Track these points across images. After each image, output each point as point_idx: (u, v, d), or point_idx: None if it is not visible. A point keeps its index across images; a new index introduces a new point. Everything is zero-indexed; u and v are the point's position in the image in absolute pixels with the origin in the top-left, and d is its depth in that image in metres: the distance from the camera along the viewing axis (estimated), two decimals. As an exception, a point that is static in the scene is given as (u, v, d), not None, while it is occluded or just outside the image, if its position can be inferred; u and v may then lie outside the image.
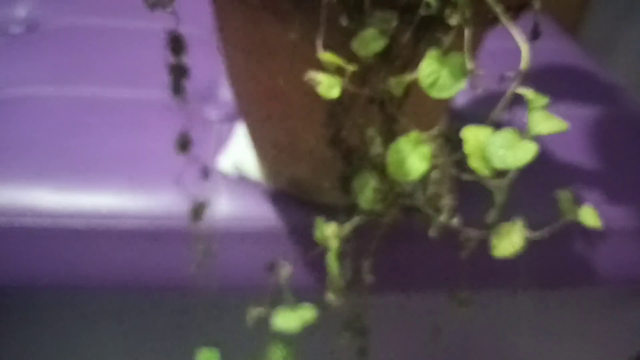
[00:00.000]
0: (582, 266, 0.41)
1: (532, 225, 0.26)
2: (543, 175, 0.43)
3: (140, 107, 0.48)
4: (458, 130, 0.25)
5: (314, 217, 0.40)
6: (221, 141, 0.46)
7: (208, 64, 0.56)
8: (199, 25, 0.63)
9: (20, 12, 0.62)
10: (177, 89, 0.28)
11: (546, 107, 0.21)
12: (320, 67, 0.27)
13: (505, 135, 0.20)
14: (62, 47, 0.56)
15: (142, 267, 0.39)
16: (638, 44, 0.69)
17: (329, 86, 0.23)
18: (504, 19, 0.24)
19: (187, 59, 0.30)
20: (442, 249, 0.38)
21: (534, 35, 0.25)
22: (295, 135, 0.35)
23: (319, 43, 0.25)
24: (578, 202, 0.26)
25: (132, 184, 0.40)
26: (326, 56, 0.24)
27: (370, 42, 0.24)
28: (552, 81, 0.57)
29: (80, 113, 0.46)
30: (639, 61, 0.70)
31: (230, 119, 0.49)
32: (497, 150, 0.20)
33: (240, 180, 0.41)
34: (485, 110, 0.25)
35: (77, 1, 0.63)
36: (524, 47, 0.23)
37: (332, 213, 0.40)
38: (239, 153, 0.42)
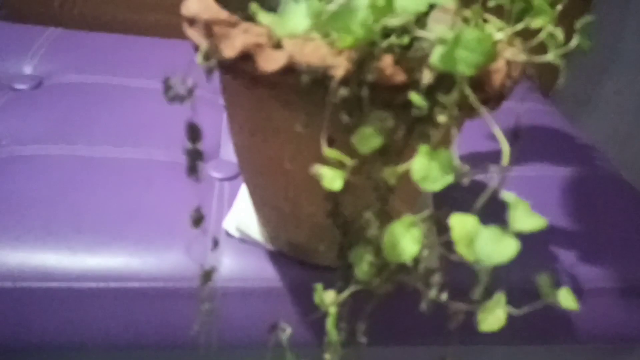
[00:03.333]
0: (563, 324, 0.44)
1: (515, 292, 0.29)
2: (522, 237, 0.46)
3: (145, 165, 0.51)
4: (446, 214, 0.28)
5: (311, 277, 0.43)
6: (223, 199, 0.49)
7: (212, 123, 0.60)
8: (202, 85, 0.66)
9: (26, 69, 0.64)
10: (193, 170, 0.31)
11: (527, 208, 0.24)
12: (322, 146, 0.30)
13: (491, 231, 0.23)
14: (66, 103, 0.59)
15: (146, 326, 0.41)
16: (610, 100, 0.74)
17: (332, 179, 0.26)
18: (486, 116, 0.28)
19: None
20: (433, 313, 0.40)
21: (514, 137, 0.28)
22: (296, 203, 0.38)
23: (323, 138, 0.28)
24: (557, 284, 0.29)
25: (138, 244, 0.42)
26: (330, 152, 0.27)
27: (369, 139, 0.27)
28: (530, 141, 0.60)
29: (85, 171, 0.49)
30: (612, 116, 0.75)
31: (233, 178, 0.52)
32: (484, 246, 0.23)
33: (243, 241, 0.44)
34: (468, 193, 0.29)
35: (79, 59, 0.66)
36: (505, 147, 0.26)
37: (328, 274, 0.43)
38: (242, 215, 0.45)
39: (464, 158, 0.57)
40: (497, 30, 0.33)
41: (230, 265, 0.42)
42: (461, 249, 0.25)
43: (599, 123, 0.74)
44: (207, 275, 0.36)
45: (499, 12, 0.38)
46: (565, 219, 0.50)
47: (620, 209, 0.52)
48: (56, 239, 0.41)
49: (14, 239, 0.41)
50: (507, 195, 0.24)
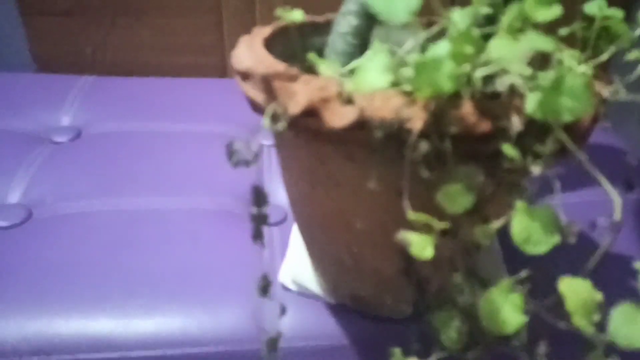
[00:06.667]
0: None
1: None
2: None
3: (191, 216, 0.49)
4: (549, 276, 0.25)
5: (379, 331, 0.40)
6: (274, 247, 0.46)
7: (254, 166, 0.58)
8: (243, 123, 0.64)
9: (64, 120, 0.64)
10: (258, 234, 0.28)
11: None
12: (388, 197, 0.27)
13: (625, 310, 0.20)
14: (107, 154, 0.57)
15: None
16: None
17: (421, 247, 0.23)
18: (586, 163, 0.25)
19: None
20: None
21: (628, 187, 0.25)
22: (360, 258, 0.35)
23: (405, 198, 0.25)
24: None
25: (193, 306, 0.40)
26: (416, 216, 0.24)
27: (457, 197, 0.24)
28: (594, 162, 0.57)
29: (131, 227, 0.47)
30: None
31: (282, 222, 0.49)
32: (620, 328, 0.20)
33: (301, 294, 0.41)
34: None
35: (116, 105, 0.66)
36: (616, 200, 0.23)
37: (396, 327, 0.40)
38: (297, 266, 0.42)
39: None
40: (577, 63, 0.30)
41: (290, 323, 0.40)
42: (579, 321, 0.22)
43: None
44: (273, 342, 0.33)
45: (568, 40, 0.35)
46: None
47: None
48: (109, 305, 0.39)
49: (66, 308, 0.39)
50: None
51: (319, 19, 0.41)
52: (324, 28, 0.39)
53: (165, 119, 0.63)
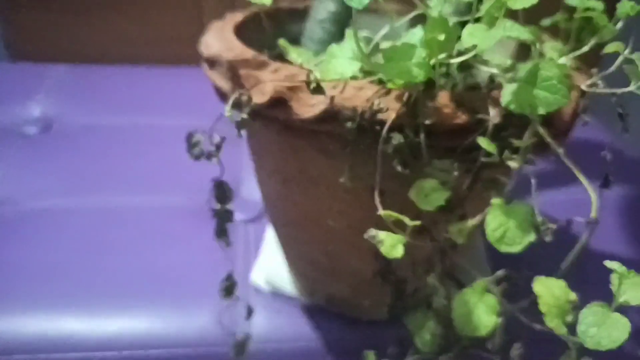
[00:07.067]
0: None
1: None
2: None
3: (165, 214, 0.47)
4: (525, 277, 0.24)
5: (355, 334, 0.38)
6: (250, 244, 0.45)
7: (230, 156, 0.56)
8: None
9: (35, 111, 0.61)
10: (222, 232, 0.27)
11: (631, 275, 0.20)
12: (363, 193, 0.25)
13: (595, 311, 0.19)
14: (78, 148, 0.55)
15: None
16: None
17: (392, 246, 0.22)
18: (565, 158, 0.24)
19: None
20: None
21: (605, 184, 0.24)
22: (336, 258, 0.34)
23: (374, 194, 0.24)
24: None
25: (161, 307, 0.38)
26: (387, 214, 0.23)
27: (431, 193, 0.23)
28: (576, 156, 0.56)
29: (102, 226, 0.45)
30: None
31: (258, 219, 0.48)
32: (589, 329, 0.19)
33: (275, 295, 0.40)
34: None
35: (90, 96, 0.64)
36: (594, 198, 0.22)
37: (373, 329, 0.38)
38: (271, 265, 0.41)
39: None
40: (558, 55, 0.29)
41: (262, 324, 0.38)
42: (552, 322, 0.21)
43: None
44: (241, 346, 0.32)
45: (553, 31, 0.34)
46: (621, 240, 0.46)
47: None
48: (74, 305, 0.38)
49: (30, 307, 0.37)
50: (613, 265, 0.20)
51: (298, 5, 0.39)
52: (303, 15, 0.37)
53: (141, 110, 0.61)
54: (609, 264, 0.20)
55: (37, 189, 0.49)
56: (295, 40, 0.36)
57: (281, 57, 0.31)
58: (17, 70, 0.68)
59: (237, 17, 0.34)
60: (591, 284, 0.25)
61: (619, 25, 0.31)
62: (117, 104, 0.62)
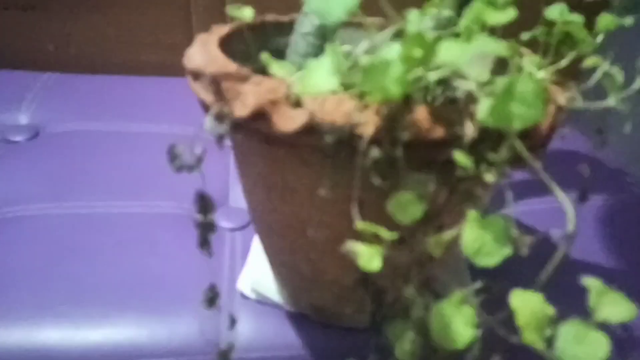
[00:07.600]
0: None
1: None
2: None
3: (150, 220, 0.47)
4: (502, 289, 0.24)
5: (339, 342, 0.38)
6: (236, 252, 0.45)
7: (218, 164, 0.56)
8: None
9: (22, 118, 0.61)
10: (205, 244, 0.27)
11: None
12: (343, 204, 0.26)
13: (573, 328, 0.19)
14: (64, 155, 0.55)
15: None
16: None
17: (369, 258, 0.22)
18: (541, 173, 0.24)
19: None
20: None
21: (582, 198, 0.25)
22: (318, 267, 0.34)
23: (353, 207, 0.24)
24: None
25: (145, 315, 0.38)
26: (364, 225, 0.23)
27: (408, 206, 0.23)
28: (558, 168, 0.57)
29: (86, 232, 0.45)
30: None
31: (245, 227, 0.48)
32: (568, 346, 0.19)
33: (261, 303, 0.40)
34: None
35: (77, 104, 0.63)
36: (570, 211, 0.22)
37: (356, 337, 0.38)
38: (257, 273, 0.41)
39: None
40: (537, 69, 0.29)
41: (247, 332, 0.38)
42: (530, 337, 0.21)
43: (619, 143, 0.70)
44: (225, 355, 0.32)
45: (532, 45, 0.34)
46: (599, 248, 0.46)
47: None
48: (56, 314, 0.37)
49: (9, 317, 0.37)
50: (590, 282, 0.20)
51: (283, 18, 0.39)
52: (288, 28, 0.38)
53: (126, 118, 0.60)
54: (586, 281, 0.20)
55: (20, 195, 0.49)
56: (281, 53, 0.36)
57: (265, 71, 0.32)
58: (3, 77, 0.68)
59: (223, 29, 0.34)
60: (570, 296, 0.25)
61: (599, 38, 0.31)
62: (104, 111, 0.62)
